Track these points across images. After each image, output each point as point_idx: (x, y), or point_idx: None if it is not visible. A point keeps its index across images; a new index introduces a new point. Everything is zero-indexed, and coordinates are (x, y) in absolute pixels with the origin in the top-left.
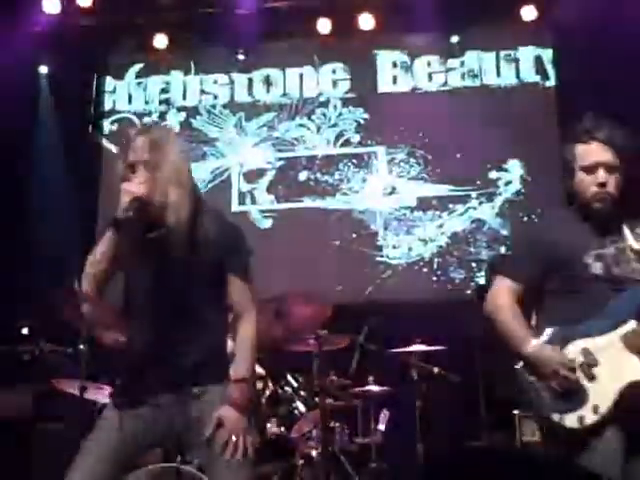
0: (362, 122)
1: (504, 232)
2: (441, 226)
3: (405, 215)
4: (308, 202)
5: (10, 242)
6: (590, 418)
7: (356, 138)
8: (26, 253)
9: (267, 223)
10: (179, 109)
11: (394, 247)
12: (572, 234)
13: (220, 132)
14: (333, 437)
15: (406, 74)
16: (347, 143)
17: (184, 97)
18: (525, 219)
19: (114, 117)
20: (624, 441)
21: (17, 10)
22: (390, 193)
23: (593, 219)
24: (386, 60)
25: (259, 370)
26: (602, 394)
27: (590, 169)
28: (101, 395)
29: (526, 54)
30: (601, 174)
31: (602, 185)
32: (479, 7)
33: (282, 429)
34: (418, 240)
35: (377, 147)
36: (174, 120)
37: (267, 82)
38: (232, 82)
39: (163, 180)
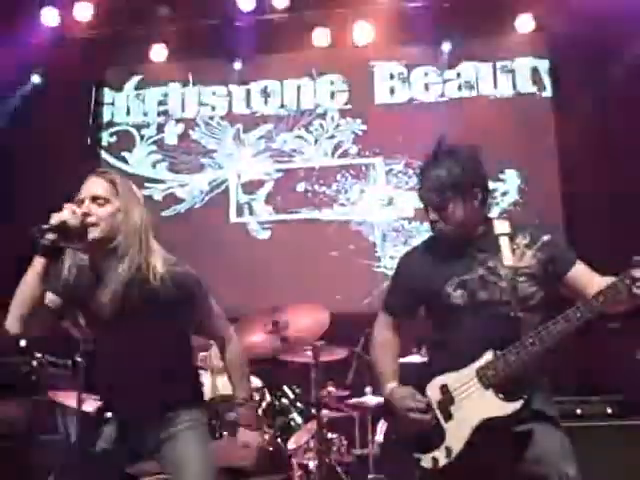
0: (360, 133)
1: None
2: None
3: (403, 226)
4: (306, 213)
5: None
6: (443, 461)
7: (354, 149)
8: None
9: (265, 234)
10: (177, 121)
11: (392, 258)
12: (437, 263)
13: (218, 143)
14: (330, 448)
15: (403, 85)
16: (345, 154)
17: (182, 109)
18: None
19: (113, 129)
20: None
21: (16, 22)
22: (388, 204)
23: (465, 244)
24: (383, 71)
25: (256, 381)
26: (455, 435)
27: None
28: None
29: (523, 65)
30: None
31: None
32: (476, 18)
33: (279, 441)
34: None
35: (375, 158)
36: (172, 131)
37: (265, 94)
38: (230, 94)
39: (110, 217)
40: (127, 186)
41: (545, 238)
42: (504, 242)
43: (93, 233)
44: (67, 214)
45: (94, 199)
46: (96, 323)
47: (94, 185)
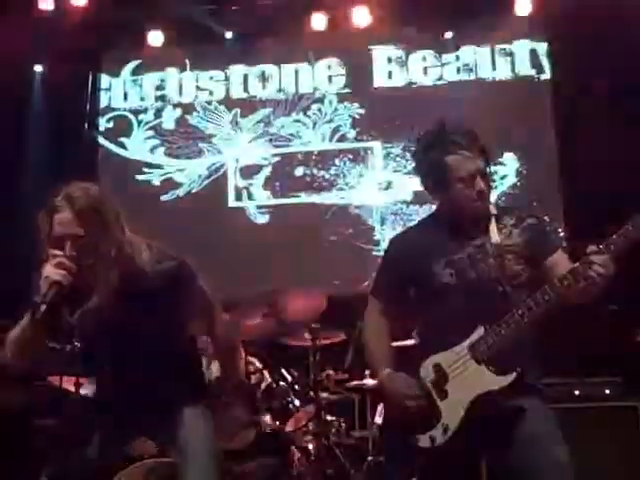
0: (358, 117)
1: None
2: None
3: (401, 209)
4: (304, 197)
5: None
6: (440, 439)
7: (352, 133)
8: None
9: (263, 219)
10: (175, 106)
11: None
12: (424, 245)
13: (216, 128)
14: (329, 431)
15: (401, 69)
16: (343, 138)
17: (180, 94)
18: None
19: (110, 114)
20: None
21: (11, 7)
22: (386, 188)
23: (456, 224)
24: (381, 55)
25: (256, 363)
26: (452, 412)
27: (466, 179)
28: None
29: (521, 48)
30: (478, 183)
31: (481, 193)
32: (474, 1)
33: (277, 423)
34: None
35: (373, 142)
36: (170, 116)
37: (263, 78)
38: (228, 78)
39: (93, 254)
40: (92, 204)
41: (530, 221)
42: (493, 222)
43: (92, 275)
44: (59, 275)
45: (73, 238)
46: (93, 322)
47: (68, 223)
